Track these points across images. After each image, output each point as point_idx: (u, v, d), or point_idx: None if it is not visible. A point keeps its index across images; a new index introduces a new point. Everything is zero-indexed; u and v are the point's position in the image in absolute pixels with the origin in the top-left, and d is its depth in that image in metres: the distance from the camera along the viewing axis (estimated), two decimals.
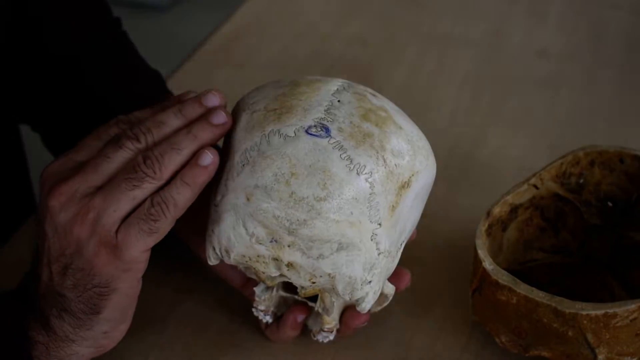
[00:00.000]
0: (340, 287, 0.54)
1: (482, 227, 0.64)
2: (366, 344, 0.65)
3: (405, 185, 0.54)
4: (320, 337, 0.61)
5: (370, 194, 0.52)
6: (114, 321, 0.54)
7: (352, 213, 0.52)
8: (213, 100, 0.54)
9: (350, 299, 0.55)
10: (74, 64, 0.78)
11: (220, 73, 0.99)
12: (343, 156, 0.52)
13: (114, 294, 0.53)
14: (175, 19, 2.66)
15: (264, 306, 0.61)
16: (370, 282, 0.55)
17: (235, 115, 0.56)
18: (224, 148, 0.56)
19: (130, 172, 0.51)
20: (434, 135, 0.87)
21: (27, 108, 0.81)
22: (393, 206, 0.54)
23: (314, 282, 0.55)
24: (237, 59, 1.02)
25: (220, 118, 0.53)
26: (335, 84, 0.56)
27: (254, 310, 0.61)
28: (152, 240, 0.52)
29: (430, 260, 0.72)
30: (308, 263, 0.53)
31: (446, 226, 0.75)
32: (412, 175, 0.55)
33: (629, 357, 0.58)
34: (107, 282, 0.52)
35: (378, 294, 0.57)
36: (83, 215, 0.51)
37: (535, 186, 0.68)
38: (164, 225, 0.52)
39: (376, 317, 0.65)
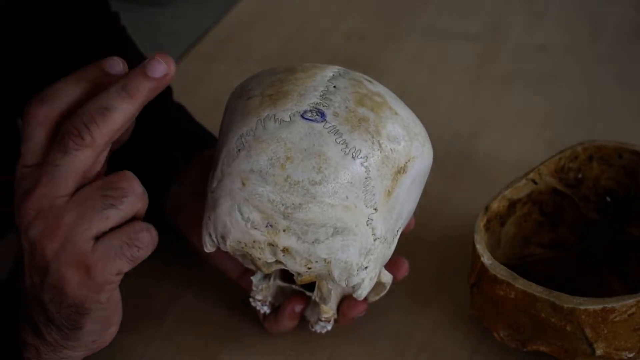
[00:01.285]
0: (336, 273, 0.54)
1: (481, 222, 0.64)
2: (365, 337, 0.65)
3: (401, 171, 0.54)
4: (318, 328, 0.61)
5: (366, 178, 0.52)
6: (98, 331, 0.52)
7: (347, 197, 0.52)
8: (160, 69, 0.48)
9: (346, 285, 0.55)
10: (72, 59, 0.78)
11: (219, 67, 0.99)
12: (338, 140, 0.52)
13: (92, 312, 0.50)
14: (173, 14, 2.65)
15: (261, 296, 0.61)
16: (366, 267, 0.55)
17: (231, 101, 0.56)
18: (221, 134, 0.56)
19: (104, 190, 0.48)
20: (433, 130, 0.87)
21: (24, 102, 0.81)
22: (389, 191, 0.54)
23: (309, 268, 0.54)
24: (236, 53, 1.02)
25: (158, 69, 0.48)
26: (332, 70, 0.56)
27: (251, 300, 0.61)
28: (130, 267, 0.49)
29: (429, 254, 0.72)
30: (303, 248, 0.53)
31: (444, 221, 0.76)
32: (409, 160, 0.55)
33: (627, 352, 0.58)
34: (80, 303, 0.49)
35: (374, 280, 0.57)
36: (53, 232, 0.47)
37: (534, 181, 0.68)
38: (144, 253, 0.49)
39: (375, 311, 0.65)
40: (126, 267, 0.49)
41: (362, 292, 0.56)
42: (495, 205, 0.66)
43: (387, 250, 0.57)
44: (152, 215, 0.53)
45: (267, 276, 0.61)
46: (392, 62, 1.00)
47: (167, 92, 0.80)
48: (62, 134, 0.47)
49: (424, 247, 0.73)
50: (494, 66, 0.99)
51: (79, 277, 0.48)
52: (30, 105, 0.48)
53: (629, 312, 0.56)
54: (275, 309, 0.63)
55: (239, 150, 0.53)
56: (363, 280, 0.55)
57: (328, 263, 0.54)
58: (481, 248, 0.61)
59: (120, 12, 0.84)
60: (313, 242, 0.53)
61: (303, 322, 0.63)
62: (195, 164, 0.69)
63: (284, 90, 0.54)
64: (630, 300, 0.56)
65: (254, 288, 0.60)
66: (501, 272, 0.59)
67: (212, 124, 0.71)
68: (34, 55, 0.78)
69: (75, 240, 0.47)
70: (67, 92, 0.49)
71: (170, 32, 2.36)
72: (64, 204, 0.48)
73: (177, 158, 0.71)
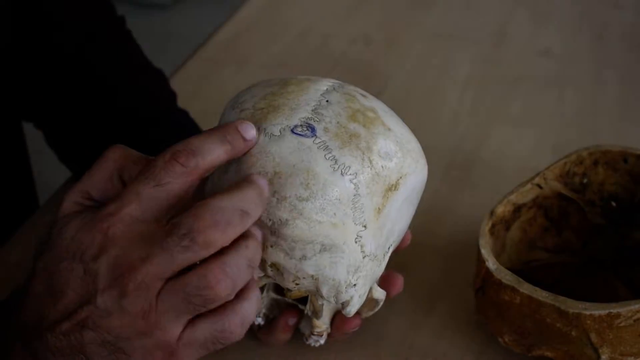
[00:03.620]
0: (324, 290, 0.53)
1: (486, 227, 0.63)
2: (368, 343, 0.65)
3: (392, 188, 0.54)
4: (311, 341, 0.61)
5: (355, 195, 0.52)
6: None
7: (335, 214, 0.51)
8: (251, 134, 0.51)
9: (335, 302, 0.55)
10: (77, 62, 0.78)
11: (223, 71, 0.99)
12: (328, 156, 0.51)
13: None
14: (177, 17, 2.66)
15: None
16: (355, 285, 0.54)
17: (224, 113, 0.56)
18: None
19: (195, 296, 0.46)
20: (437, 135, 0.87)
21: (30, 106, 0.81)
22: (379, 208, 0.53)
23: (297, 284, 0.54)
24: (240, 57, 1.02)
25: (251, 133, 0.51)
26: (325, 84, 0.56)
27: None
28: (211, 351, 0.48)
29: (433, 259, 0.72)
30: (291, 264, 0.52)
31: (449, 225, 0.75)
32: (400, 177, 0.54)
33: (633, 358, 0.57)
34: None
35: (364, 298, 0.56)
36: (147, 313, 0.45)
37: (539, 186, 0.68)
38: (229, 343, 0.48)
39: (379, 316, 0.65)
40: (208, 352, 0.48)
41: (351, 310, 0.55)
42: (500, 210, 0.66)
43: (378, 267, 0.56)
44: None
45: (260, 288, 0.60)
46: (396, 67, 0.99)
47: (171, 97, 0.80)
48: (180, 227, 0.45)
49: (429, 252, 0.73)
50: (498, 71, 0.99)
51: (160, 358, 0.47)
52: (181, 155, 0.48)
53: (634, 318, 0.56)
54: (270, 320, 0.62)
55: (230, 163, 0.52)
56: (352, 297, 0.54)
57: (316, 280, 0.53)
58: (486, 252, 0.61)
59: (125, 17, 0.84)
60: (300, 258, 0.52)
61: (297, 332, 0.63)
62: None
63: (275, 104, 0.53)
64: (636, 306, 0.56)
65: None
66: (506, 276, 0.59)
67: None
68: (39, 60, 0.78)
69: (168, 329, 0.46)
70: (213, 150, 0.49)
71: (174, 36, 2.37)
72: (161, 287, 0.45)
73: None
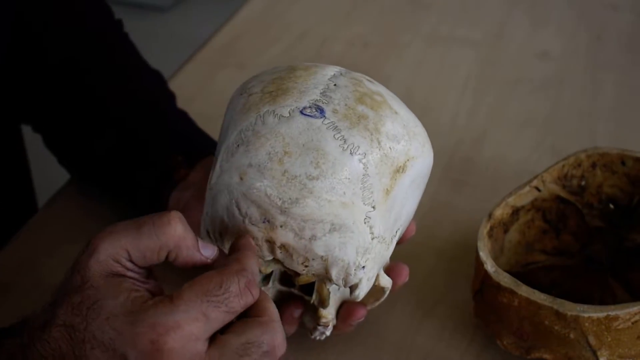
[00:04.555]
0: (333, 272, 0.54)
1: (484, 229, 0.64)
2: (368, 344, 0.65)
3: (400, 170, 0.54)
4: (317, 334, 0.61)
5: (364, 175, 0.52)
6: None
7: (344, 193, 0.52)
8: None
9: (344, 285, 0.55)
10: (75, 66, 0.78)
11: (222, 74, 0.99)
12: (337, 136, 0.52)
13: None
14: (176, 20, 2.66)
15: None
16: (364, 267, 0.54)
17: (232, 101, 0.56)
18: (221, 133, 0.56)
19: None
20: (436, 137, 0.87)
21: (29, 109, 0.82)
22: (387, 190, 0.53)
23: (307, 266, 0.54)
24: (239, 59, 1.02)
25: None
26: (332, 69, 0.56)
27: None
28: None
29: (432, 262, 0.72)
30: (301, 244, 0.53)
31: (448, 228, 0.75)
32: (408, 160, 0.54)
33: None
34: None
35: (372, 281, 0.56)
36: None
37: (537, 188, 0.68)
38: None
39: (378, 318, 0.65)
40: None
41: (359, 293, 0.55)
42: (498, 213, 0.66)
43: (386, 251, 0.56)
44: None
45: (266, 279, 0.60)
46: (394, 69, 1.00)
47: (171, 98, 0.80)
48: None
49: (427, 254, 0.73)
50: (496, 72, 0.99)
51: None
52: (252, 285, 0.48)
53: (632, 320, 0.56)
54: None
55: (238, 145, 0.53)
56: (361, 280, 0.54)
57: (325, 261, 0.53)
58: (484, 255, 0.61)
59: (123, 20, 0.84)
60: (310, 238, 0.52)
61: (302, 328, 0.63)
62: (198, 169, 0.69)
63: (284, 87, 0.54)
64: (634, 308, 0.56)
65: None
66: (504, 279, 0.59)
67: (214, 131, 0.71)
68: (37, 64, 0.78)
69: None
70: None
71: (173, 39, 2.37)
72: (204, 351, 0.45)
73: (180, 162, 0.71)
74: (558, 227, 0.70)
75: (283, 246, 0.53)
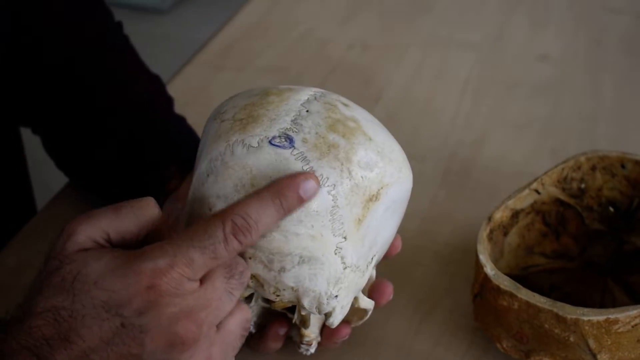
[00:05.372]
0: (305, 301, 0.53)
1: (484, 232, 0.63)
2: (367, 347, 0.65)
3: (373, 199, 0.53)
4: (302, 349, 0.61)
5: (333, 207, 0.51)
6: None
7: (312, 226, 0.51)
8: (313, 191, 0.51)
9: (318, 313, 0.54)
10: (73, 69, 0.78)
11: (221, 77, 0.99)
12: (305, 167, 0.51)
13: None
14: (175, 22, 2.66)
15: None
16: (336, 296, 0.53)
17: (207, 123, 0.56)
18: (197, 155, 0.56)
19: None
20: (435, 140, 0.87)
21: (27, 112, 0.81)
22: (359, 219, 0.53)
23: (278, 296, 0.53)
24: (238, 62, 1.02)
25: (312, 191, 0.50)
26: (307, 93, 0.55)
27: None
28: None
29: (431, 265, 0.72)
30: (270, 276, 0.52)
31: (447, 231, 0.75)
32: (382, 188, 0.53)
33: None
34: None
35: (347, 308, 0.56)
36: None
37: (537, 191, 0.68)
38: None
39: (377, 321, 0.65)
40: None
41: (333, 321, 0.55)
42: (498, 215, 0.66)
43: (361, 278, 0.55)
44: None
45: (248, 297, 0.60)
46: (394, 72, 0.99)
47: (169, 103, 0.80)
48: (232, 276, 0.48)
49: (427, 257, 0.73)
50: (496, 75, 0.99)
51: None
52: (240, 232, 0.48)
53: (632, 323, 0.56)
54: (261, 328, 0.62)
55: (208, 175, 0.52)
56: (334, 308, 0.54)
57: (296, 291, 0.53)
58: (484, 258, 0.61)
59: (122, 22, 0.84)
60: (279, 270, 0.52)
61: (290, 340, 0.63)
62: (189, 181, 0.69)
63: (254, 115, 0.53)
64: (634, 311, 0.56)
65: None
66: (504, 282, 0.59)
67: None
68: (36, 66, 0.78)
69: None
70: (268, 223, 0.49)
71: (172, 41, 2.37)
72: (214, 334, 0.48)
73: (172, 172, 0.71)
74: (558, 230, 0.70)
75: (254, 276, 0.53)
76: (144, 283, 0.44)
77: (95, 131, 0.75)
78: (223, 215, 0.47)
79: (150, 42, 1.54)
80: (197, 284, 0.46)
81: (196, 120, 0.79)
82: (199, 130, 0.77)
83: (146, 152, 0.73)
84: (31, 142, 0.86)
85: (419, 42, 1.05)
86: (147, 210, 0.49)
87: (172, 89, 0.84)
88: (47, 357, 0.44)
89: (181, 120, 0.78)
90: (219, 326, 0.48)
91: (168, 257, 0.45)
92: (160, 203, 0.68)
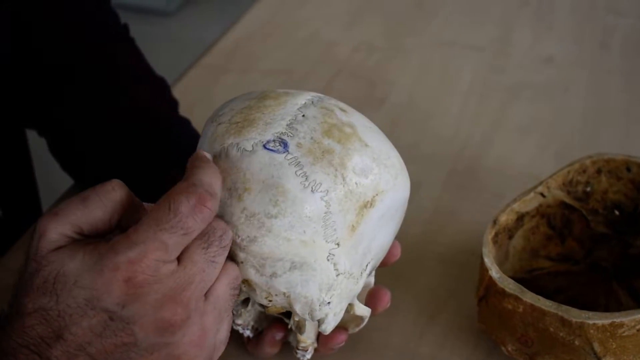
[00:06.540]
0: (297, 307, 0.53)
1: (489, 235, 0.63)
2: (371, 351, 0.65)
3: (367, 205, 0.53)
4: (299, 355, 0.60)
5: (326, 213, 0.51)
6: None
7: (304, 232, 0.50)
8: None
9: (311, 320, 0.54)
10: (79, 71, 0.78)
11: (226, 79, 0.99)
12: (298, 173, 0.50)
13: None
14: (180, 25, 2.67)
15: (241, 320, 0.60)
16: (329, 303, 0.53)
17: (205, 126, 0.56)
18: None
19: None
20: (440, 142, 0.87)
21: (33, 114, 0.82)
22: (353, 226, 0.52)
23: (270, 301, 0.53)
24: (243, 65, 1.02)
25: None
26: (305, 97, 0.55)
27: (233, 324, 0.60)
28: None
29: (436, 267, 0.72)
30: (262, 281, 0.52)
31: (452, 234, 0.75)
32: (377, 194, 0.53)
33: None
34: None
35: (340, 315, 0.55)
36: (201, 339, 0.47)
37: (542, 194, 0.68)
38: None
39: (381, 324, 0.65)
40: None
41: (326, 328, 0.54)
42: (503, 218, 0.65)
43: (355, 285, 0.55)
44: None
45: (245, 301, 0.60)
46: (399, 74, 0.99)
47: (174, 105, 0.80)
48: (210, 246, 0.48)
49: (432, 260, 0.72)
50: (501, 78, 0.99)
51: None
52: (206, 199, 0.48)
53: (638, 327, 0.56)
54: (259, 333, 0.62)
55: None
56: (327, 315, 0.54)
57: (288, 297, 0.52)
58: (489, 261, 0.61)
59: (128, 23, 0.84)
60: (271, 275, 0.51)
61: (288, 345, 0.63)
62: None
63: (250, 118, 0.53)
64: (639, 315, 0.56)
65: (233, 312, 0.59)
66: (509, 285, 0.59)
67: None
68: (41, 68, 0.78)
69: (215, 344, 0.49)
70: (219, 187, 0.50)
71: (177, 43, 2.37)
72: (203, 305, 0.48)
73: (174, 176, 0.71)
74: (563, 233, 0.70)
75: (246, 281, 0.52)
76: (120, 277, 0.44)
77: (100, 133, 0.75)
78: (182, 189, 0.47)
79: (155, 44, 1.54)
80: (174, 265, 0.46)
81: (201, 123, 0.78)
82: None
83: (149, 155, 0.73)
84: (37, 144, 0.86)
85: (424, 45, 1.05)
86: (113, 194, 0.48)
87: (178, 91, 0.84)
88: (47, 354, 0.44)
89: (186, 122, 0.78)
90: (207, 294, 0.48)
91: (137, 246, 0.45)
92: None
